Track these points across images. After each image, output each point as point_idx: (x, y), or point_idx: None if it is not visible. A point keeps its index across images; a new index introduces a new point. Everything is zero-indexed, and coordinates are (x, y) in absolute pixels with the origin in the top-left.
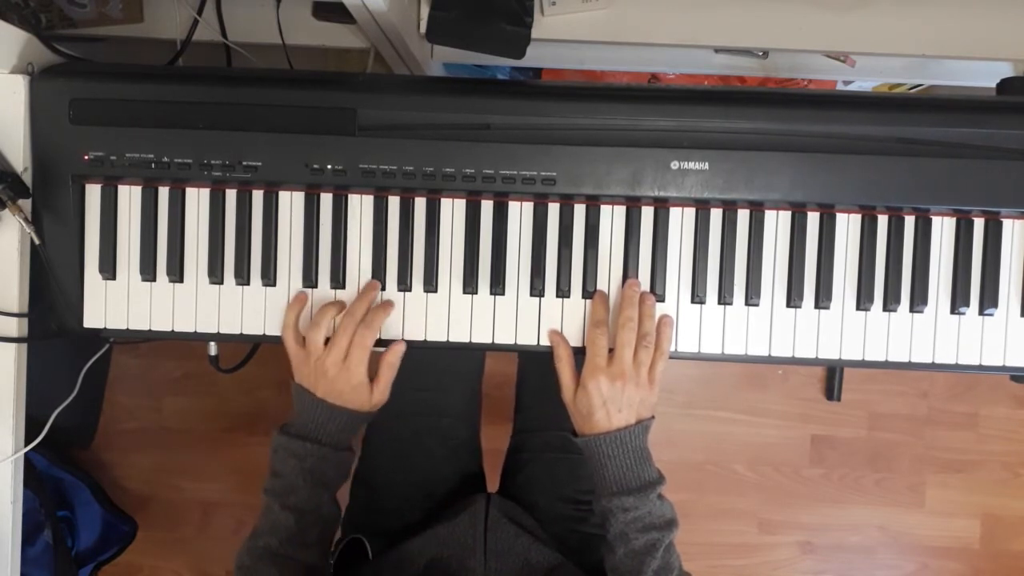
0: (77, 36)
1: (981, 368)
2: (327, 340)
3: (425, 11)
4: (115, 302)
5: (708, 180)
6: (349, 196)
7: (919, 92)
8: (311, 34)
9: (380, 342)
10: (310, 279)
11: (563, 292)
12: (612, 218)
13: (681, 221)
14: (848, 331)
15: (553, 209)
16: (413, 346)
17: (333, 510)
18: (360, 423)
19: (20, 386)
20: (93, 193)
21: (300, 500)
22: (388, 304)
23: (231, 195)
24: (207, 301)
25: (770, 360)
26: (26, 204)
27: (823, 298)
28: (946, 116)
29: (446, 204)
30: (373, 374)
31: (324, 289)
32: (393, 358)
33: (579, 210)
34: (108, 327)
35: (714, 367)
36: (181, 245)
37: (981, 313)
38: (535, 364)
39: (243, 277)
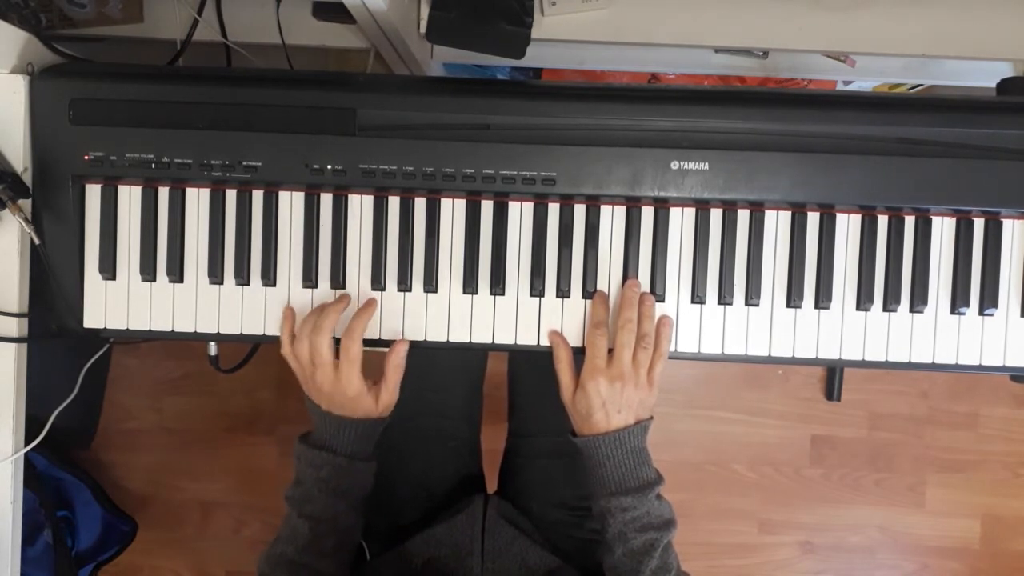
0: (77, 36)
1: (981, 368)
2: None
3: (425, 11)
4: (115, 302)
5: (708, 180)
6: (349, 196)
7: (919, 92)
8: (311, 34)
9: (382, 343)
10: (310, 279)
11: (563, 292)
12: (612, 218)
13: (681, 221)
14: (848, 331)
15: (553, 209)
16: (414, 346)
17: (351, 521)
18: (375, 429)
19: (20, 386)
20: (93, 193)
21: (315, 509)
22: (368, 307)
23: (231, 195)
24: (207, 301)
25: (770, 360)
26: (26, 204)
27: (823, 298)
28: (946, 116)
29: (446, 204)
30: (379, 377)
31: (324, 289)
32: (397, 359)
33: (579, 210)
34: (108, 327)
35: (714, 367)
36: (181, 245)
37: (981, 313)
38: (526, 366)
39: (243, 277)
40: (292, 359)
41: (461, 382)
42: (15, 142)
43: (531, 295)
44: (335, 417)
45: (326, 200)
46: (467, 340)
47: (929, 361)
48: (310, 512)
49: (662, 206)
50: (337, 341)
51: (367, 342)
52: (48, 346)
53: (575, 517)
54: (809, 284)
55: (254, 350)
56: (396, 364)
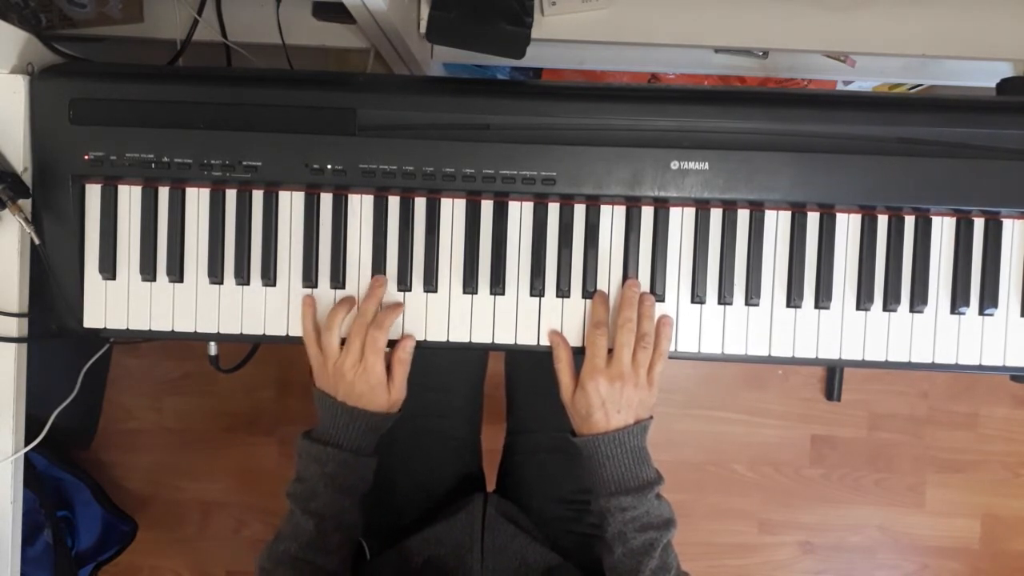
0: (77, 36)
1: (981, 368)
2: (343, 342)
3: (425, 11)
4: (115, 302)
5: (708, 180)
6: (349, 196)
7: (919, 92)
8: (311, 34)
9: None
10: (310, 279)
11: (563, 292)
12: (612, 218)
13: (681, 221)
14: (848, 331)
15: (553, 209)
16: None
17: (354, 517)
18: (382, 426)
19: (20, 386)
20: (93, 193)
21: (320, 506)
22: (398, 305)
23: (231, 195)
24: (207, 301)
25: (770, 360)
26: (26, 204)
27: (823, 298)
28: (946, 116)
29: (446, 204)
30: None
31: (324, 289)
32: (404, 354)
33: (579, 210)
34: (108, 327)
35: (714, 367)
36: (181, 245)
37: (981, 313)
38: (523, 364)
39: (243, 277)
40: (314, 347)
41: (461, 382)
42: (15, 142)
43: (531, 295)
44: (349, 408)
45: (326, 200)
46: (467, 340)
47: (929, 361)
48: (315, 509)
49: (662, 206)
50: None
51: None
52: (48, 346)
53: (574, 512)
54: (809, 284)
55: (254, 350)
56: (403, 359)
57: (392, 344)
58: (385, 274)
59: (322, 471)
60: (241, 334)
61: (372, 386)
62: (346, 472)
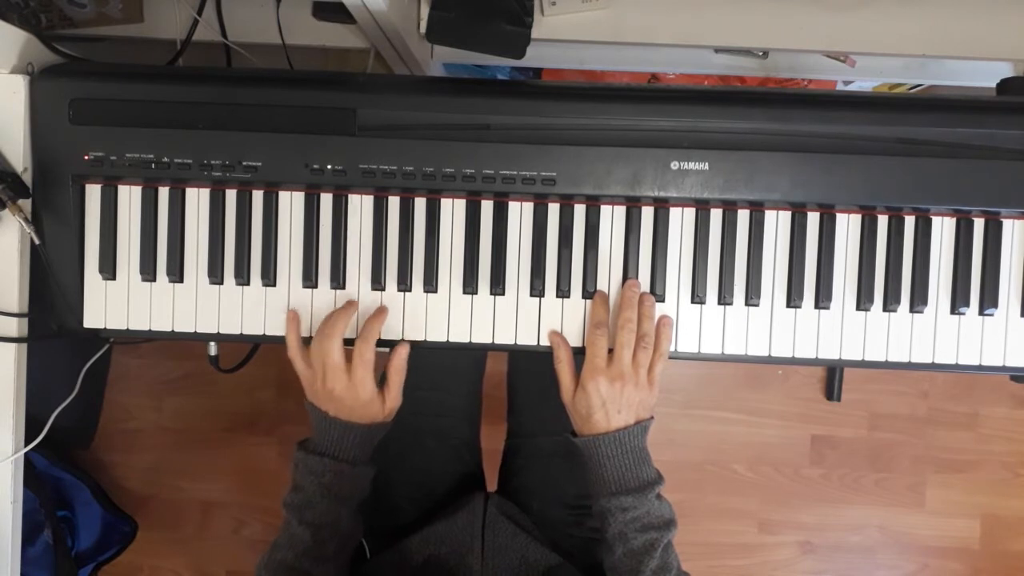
0: (77, 36)
1: (981, 368)
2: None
3: (425, 11)
4: (115, 302)
5: (708, 180)
6: (349, 196)
7: (919, 92)
8: (311, 34)
9: (382, 343)
10: (310, 279)
11: (563, 292)
12: (612, 218)
13: (681, 221)
14: (848, 331)
15: (553, 209)
16: (414, 346)
17: (352, 525)
18: (377, 434)
19: (20, 386)
20: (93, 193)
21: (317, 515)
22: (381, 312)
23: (231, 195)
24: (207, 301)
25: (770, 360)
26: (26, 204)
27: (823, 298)
28: (946, 116)
29: (446, 204)
30: (381, 380)
31: (324, 289)
32: (399, 362)
33: (579, 210)
34: (108, 327)
35: (714, 367)
36: (181, 245)
37: (981, 313)
38: (524, 366)
39: (243, 277)
40: (300, 363)
41: (461, 381)
42: (15, 142)
43: (531, 295)
44: (341, 422)
45: (326, 200)
46: (467, 340)
47: (929, 361)
48: (311, 519)
49: (662, 206)
50: (348, 343)
51: None
52: (48, 346)
53: (575, 516)
54: (809, 284)
55: (254, 350)
56: (398, 367)
57: (382, 344)
58: (385, 274)
59: (319, 481)
60: (241, 334)
61: (364, 402)
62: (343, 482)
